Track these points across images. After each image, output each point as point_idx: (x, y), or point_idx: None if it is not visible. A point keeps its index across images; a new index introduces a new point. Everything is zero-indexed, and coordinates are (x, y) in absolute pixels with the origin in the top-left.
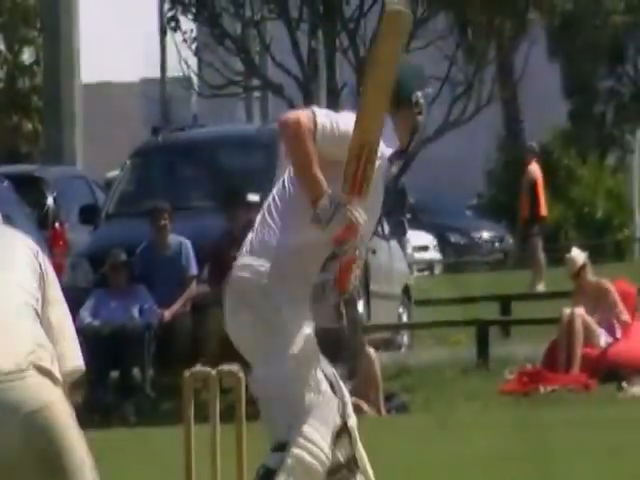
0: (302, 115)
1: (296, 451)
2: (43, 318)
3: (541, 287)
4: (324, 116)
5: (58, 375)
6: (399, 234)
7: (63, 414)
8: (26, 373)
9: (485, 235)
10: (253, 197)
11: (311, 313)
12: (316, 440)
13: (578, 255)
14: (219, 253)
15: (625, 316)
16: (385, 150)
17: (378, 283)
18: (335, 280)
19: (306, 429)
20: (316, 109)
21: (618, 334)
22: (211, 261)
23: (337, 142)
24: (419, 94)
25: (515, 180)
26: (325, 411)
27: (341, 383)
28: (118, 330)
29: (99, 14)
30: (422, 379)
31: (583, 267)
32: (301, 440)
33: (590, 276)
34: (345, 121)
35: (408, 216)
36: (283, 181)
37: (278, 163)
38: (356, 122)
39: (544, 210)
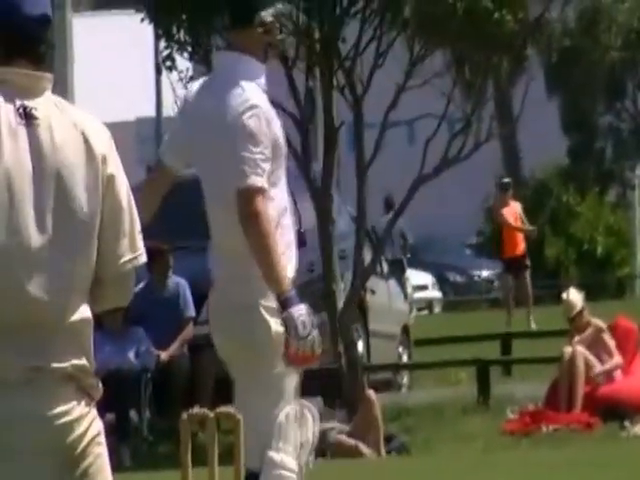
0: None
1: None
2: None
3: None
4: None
5: (95, 393)
6: (398, 273)
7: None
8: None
9: (484, 273)
10: None
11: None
12: (287, 463)
13: (576, 299)
14: None
15: (617, 359)
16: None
17: (377, 323)
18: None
19: (278, 456)
20: (256, 179)
21: (616, 373)
22: None
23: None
24: (263, 14)
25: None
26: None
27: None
28: (113, 374)
29: (93, 53)
30: (422, 420)
31: (581, 311)
32: (273, 467)
33: (587, 316)
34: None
35: (408, 256)
36: None
37: None
38: None
39: (511, 250)
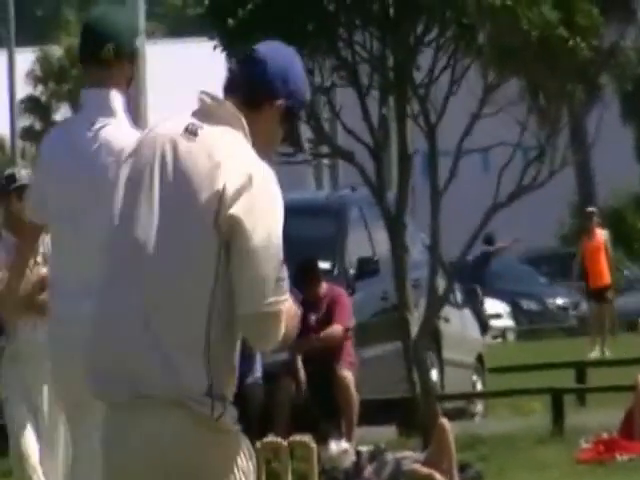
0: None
1: None
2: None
3: (595, 353)
4: None
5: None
6: (473, 302)
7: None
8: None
9: (559, 301)
10: (324, 265)
11: None
12: None
13: None
14: None
15: None
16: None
17: (451, 351)
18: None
19: None
20: None
21: None
22: None
23: None
24: (136, 44)
25: None
26: None
27: None
28: None
29: (167, 81)
30: (496, 448)
31: None
32: None
33: None
34: None
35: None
36: None
37: (349, 230)
38: None
39: (593, 281)
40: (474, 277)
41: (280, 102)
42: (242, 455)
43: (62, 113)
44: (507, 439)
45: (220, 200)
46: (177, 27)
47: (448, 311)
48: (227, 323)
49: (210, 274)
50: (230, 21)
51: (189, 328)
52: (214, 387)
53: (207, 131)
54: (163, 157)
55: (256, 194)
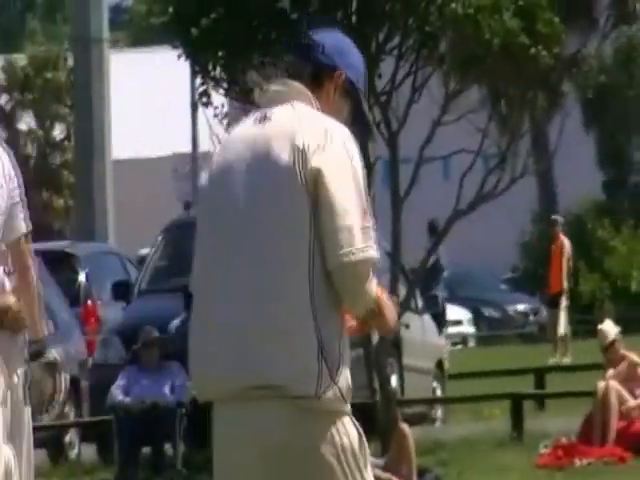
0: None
1: None
2: None
3: (553, 359)
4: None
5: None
6: (434, 310)
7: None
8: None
9: (519, 308)
10: None
11: None
12: None
13: (610, 329)
14: None
15: None
16: None
17: (411, 357)
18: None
19: None
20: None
21: None
22: None
23: None
24: None
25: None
26: None
27: None
28: (149, 408)
29: (130, 89)
30: (456, 453)
31: (613, 342)
32: None
33: (621, 350)
34: None
35: (442, 293)
36: None
37: None
38: None
39: (551, 287)
40: (428, 284)
41: (340, 72)
42: (348, 441)
43: (26, 122)
44: (467, 444)
45: (303, 157)
46: (141, 36)
47: (409, 317)
48: (327, 283)
49: (305, 235)
50: (193, 30)
51: (293, 294)
52: (325, 351)
53: (277, 110)
54: (244, 154)
55: (335, 146)
